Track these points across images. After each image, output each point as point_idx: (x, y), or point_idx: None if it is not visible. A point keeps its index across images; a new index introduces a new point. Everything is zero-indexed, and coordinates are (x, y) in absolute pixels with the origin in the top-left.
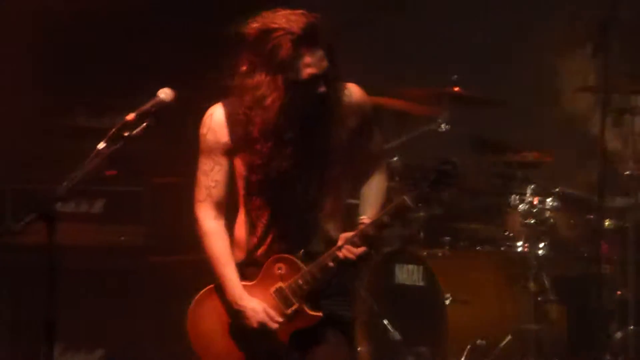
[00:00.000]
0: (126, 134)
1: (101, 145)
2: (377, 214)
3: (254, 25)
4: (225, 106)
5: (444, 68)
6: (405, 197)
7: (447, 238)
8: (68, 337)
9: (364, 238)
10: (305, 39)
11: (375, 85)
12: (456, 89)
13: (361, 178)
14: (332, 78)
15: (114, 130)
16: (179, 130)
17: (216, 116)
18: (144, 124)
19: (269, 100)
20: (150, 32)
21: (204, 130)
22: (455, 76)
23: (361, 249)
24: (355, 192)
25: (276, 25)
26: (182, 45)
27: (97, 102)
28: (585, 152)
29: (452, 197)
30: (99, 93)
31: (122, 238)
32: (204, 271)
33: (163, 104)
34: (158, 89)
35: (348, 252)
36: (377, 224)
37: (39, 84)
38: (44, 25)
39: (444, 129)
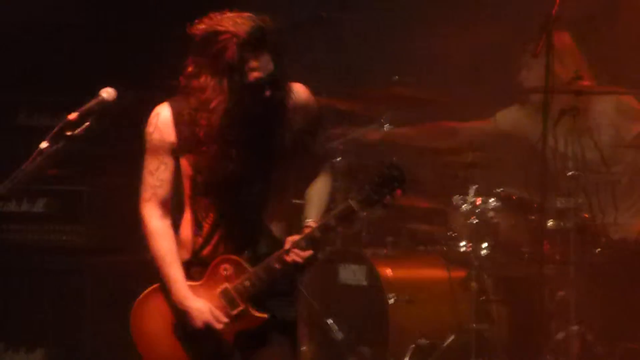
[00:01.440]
0: (68, 133)
1: (43, 144)
2: (324, 217)
3: (201, 26)
4: (172, 106)
5: (387, 68)
6: (352, 201)
7: (390, 238)
8: (8, 336)
9: (311, 241)
10: (252, 43)
11: (321, 85)
12: (398, 89)
13: (306, 179)
14: (277, 81)
15: (56, 129)
16: (124, 129)
17: (163, 115)
18: (86, 123)
19: (214, 103)
20: (96, 30)
21: (150, 129)
22: (396, 77)
23: (308, 252)
24: (301, 192)
25: (223, 28)
26: (129, 44)
27: (39, 100)
28: (527, 153)
29: (397, 199)
30: (41, 91)
31: (64, 238)
32: (147, 271)
33: (105, 103)
34: (102, 88)
35: (295, 255)
36: (324, 228)
37: None
38: None
39: (386, 130)
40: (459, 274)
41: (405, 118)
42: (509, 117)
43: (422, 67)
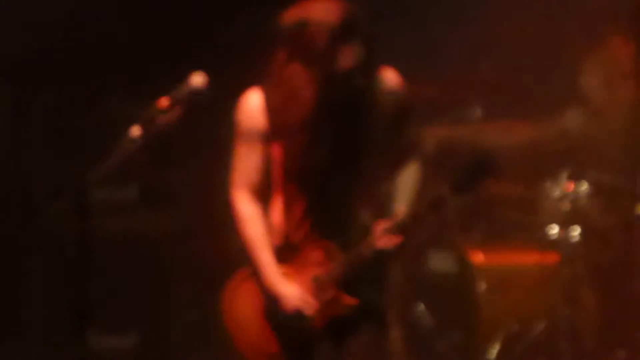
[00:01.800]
0: (160, 120)
1: (135, 131)
2: (414, 205)
3: (291, 15)
4: (262, 92)
5: (477, 57)
6: (443, 189)
7: (481, 224)
8: (102, 321)
9: (401, 228)
10: (342, 31)
11: (410, 72)
12: (488, 77)
13: (397, 166)
14: (368, 68)
15: (147, 115)
16: (215, 116)
17: (252, 101)
18: (178, 110)
19: (305, 93)
20: (188, 18)
21: (239, 115)
22: (486, 65)
23: (397, 239)
24: (391, 180)
25: (313, 17)
26: (220, 32)
27: (131, 88)
28: (621, 136)
29: (488, 186)
30: (134, 79)
31: (156, 224)
32: (238, 256)
33: (196, 90)
34: (193, 74)
35: (384, 242)
36: (414, 215)
37: (74, 70)
38: (78, 10)
39: (476, 117)
40: (550, 260)
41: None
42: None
43: (511, 57)
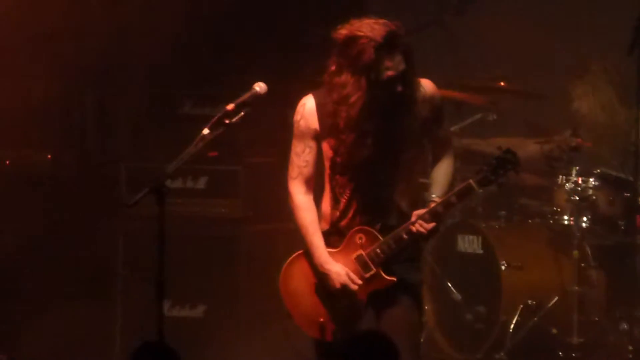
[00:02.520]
0: (227, 121)
1: (205, 130)
2: (446, 194)
3: (343, 31)
4: (316, 97)
5: (496, 64)
6: (471, 181)
7: (503, 212)
8: (176, 295)
9: (434, 215)
10: (386, 46)
11: (440, 79)
12: (502, 83)
13: (432, 161)
14: (408, 78)
15: (216, 117)
16: (273, 118)
17: (308, 105)
18: (242, 113)
19: (353, 98)
20: (251, 32)
21: (297, 117)
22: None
23: (431, 225)
24: (427, 172)
25: (362, 33)
26: (278, 44)
27: (202, 93)
28: (622, 139)
29: (510, 178)
30: (204, 85)
31: (223, 210)
32: (293, 239)
33: (258, 96)
34: (255, 82)
35: (420, 227)
36: (446, 203)
37: (154, 76)
38: (153, 26)
39: (493, 118)
40: (563, 243)
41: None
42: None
43: (526, 66)
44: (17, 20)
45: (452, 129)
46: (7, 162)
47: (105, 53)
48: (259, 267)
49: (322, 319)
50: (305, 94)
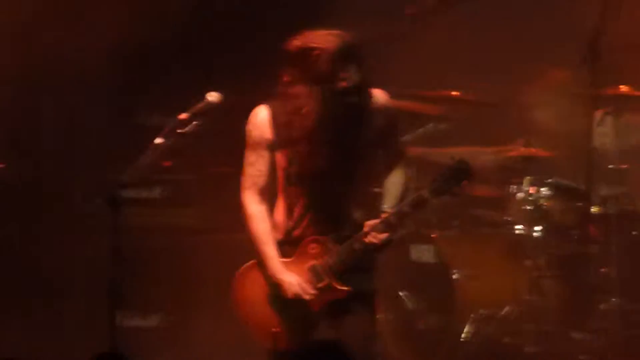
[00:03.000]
0: (180, 131)
1: (158, 140)
2: (399, 205)
3: (297, 42)
4: (269, 108)
5: (450, 74)
6: (424, 191)
7: (456, 222)
8: (130, 304)
9: (387, 225)
10: (340, 57)
11: (393, 89)
12: (455, 92)
13: (384, 171)
14: (361, 88)
15: (169, 127)
16: (226, 128)
17: (261, 115)
18: (195, 123)
19: (307, 108)
20: (206, 40)
21: (250, 127)
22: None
23: (384, 235)
24: (380, 182)
25: (315, 44)
26: (233, 53)
27: (156, 102)
28: (574, 148)
29: (463, 189)
30: (157, 94)
31: (176, 220)
32: (247, 248)
33: (211, 105)
34: (208, 92)
35: (373, 237)
36: (399, 214)
37: (110, 87)
38: (116, 33)
39: (444, 127)
40: (516, 253)
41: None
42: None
43: (481, 75)
44: None
45: (405, 138)
46: None
47: (63, 57)
48: (214, 277)
49: (275, 329)
50: (260, 103)
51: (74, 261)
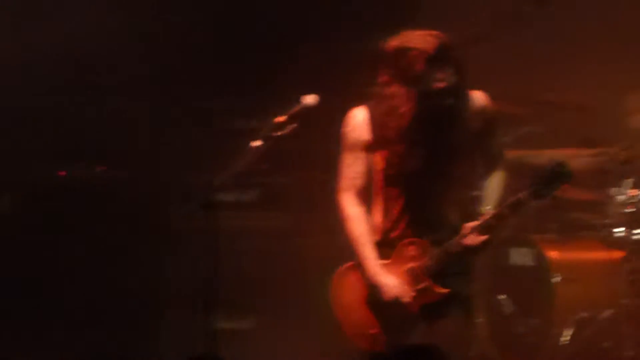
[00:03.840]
0: (276, 134)
1: (255, 143)
2: (498, 207)
3: (393, 43)
4: (366, 109)
5: (548, 76)
6: (524, 194)
7: (555, 224)
8: (226, 307)
9: (486, 228)
10: (437, 58)
11: (498, 90)
12: (553, 96)
13: (484, 173)
14: (458, 90)
15: (265, 130)
16: (322, 130)
17: (358, 117)
18: (292, 125)
19: (403, 109)
20: (300, 43)
21: (347, 128)
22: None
23: (483, 237)
24: (478, 185)
25: (412, 45)
26: (328, 55)
27: (251, 106)
28: None
29: (562, 192)
30: (252, 98)
31: (271, 222)
32: (343, 251)
33: (308, 108)
34: (304, 95)
35: (471, 240)
36: (498, 216)
37: (199, 91)
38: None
39: (542, 130)
40: (615, 256)
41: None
42: None
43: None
44: None
45: (503, 141)
46: (63, 174)
47: (155, 61)
48: (308, 279)
49: (373, 331)
50: (355, 105)
51: (169, 264)
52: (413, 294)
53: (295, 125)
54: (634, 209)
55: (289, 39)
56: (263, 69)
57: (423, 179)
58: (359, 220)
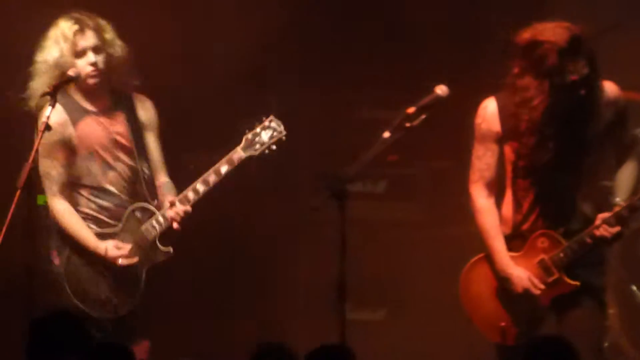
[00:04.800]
0: (407, 125)
1: (386, 134)
2: (631, 198)
3: (526, 35)
4: (498, 100)
5: None
6: None
7: None
8: (356, 298)
9: (619, 219)
10: (569, 50)
11: (622, 80)
12: None
13: (616, 164)
14: (591, 81)
15: (397, 121)
16: (452, 121)
17: (490, 108)
18: (423, 116)
19: (536, 101)
20: (429, 34)
21: (478, 120)
22: None
23: (616, 229)
24: (611, 175)
25: (544, 38)
26: (458, 45)
27: (380, 96)
28: None
29: None
30: (382, 88)
31: (400, 214)
32: (473, 242)
33: (439, 99)
34: (435, 85)
35: (604, 231)
36: (632, 207)
37: (330, 81)
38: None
39: None
40: None
41: None
42: None
43: None
44: None
45: (637, 131)
46: (191, 167)
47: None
48: (438, 271)
49: (503, 324)
50: (485, 96)
51: (301, 254)
52: (543, 286)
53: (425, 116)
54: None
55: (420, 29)
56: (395, 60)
57: (554, 171)
58: (489, 212)
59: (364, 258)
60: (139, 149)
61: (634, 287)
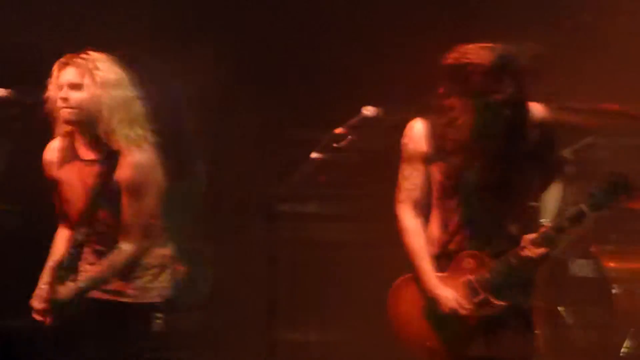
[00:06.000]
0: (335, 145)
1: (314, 154)
2: (557, 219)
3: (451, 56)
4: (425, 121)
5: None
6: (583, 205)
7: (614, 235)
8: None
9: (545, 240)
10: (494, 70)
11: (554, 101)
12: (615, 106)
13: (543, 184)
14: (516, 101)
15: (325, 141)
16: (381, 141)
17: (416, 129)
18: (350, 137)
19: (461, 120)
20: (356, 53)
21: (405, 140)
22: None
23: (542, 250)
24: (537, 196)
25: (468, 59)
26: (386, 66)
27: (308, 116)
28: None
29: (622, 204)
30: (310, 108)
31: (332, 234)
32: (401, 262)
33: (367, 120)
34: (362, 106)
35: (530, 252)
36: (557, 228)
37: (257, 101)
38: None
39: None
40: None
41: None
42: None
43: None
44: None
45: (564, 152)
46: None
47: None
48: (368, 291)
49: (430, 344)
50: (414, 117)
51: (230, 274)
52: (470, 306)
53: (353, 136)
54: None
55: (350, 50)
56: (323, 80)
57: (480, 191)
58: (416, 233)
59: (295, 278)
60: None
61: (560, 308)
